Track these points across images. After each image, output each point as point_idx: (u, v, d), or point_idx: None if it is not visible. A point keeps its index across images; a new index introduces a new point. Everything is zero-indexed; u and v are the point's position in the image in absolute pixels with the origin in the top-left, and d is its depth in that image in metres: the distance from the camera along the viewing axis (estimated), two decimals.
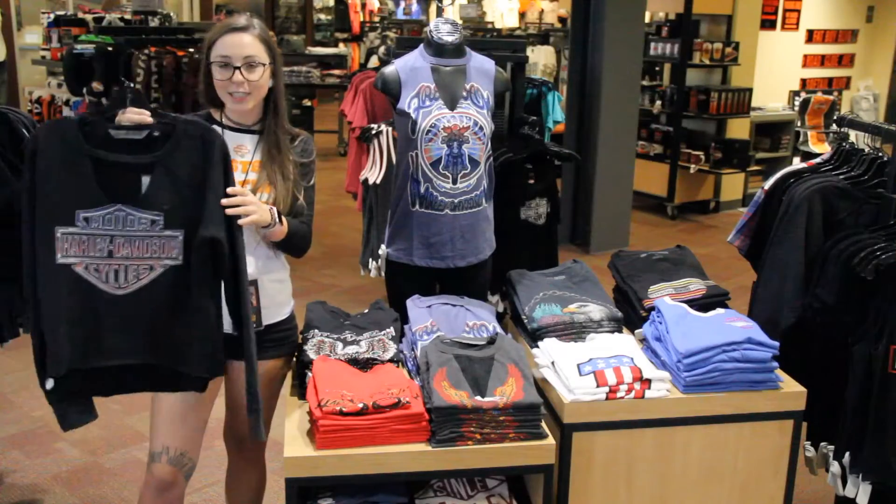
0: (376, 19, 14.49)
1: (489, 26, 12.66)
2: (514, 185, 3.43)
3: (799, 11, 8.56)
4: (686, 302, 2.51)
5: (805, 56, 8.82)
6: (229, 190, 2.01)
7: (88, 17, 7.10)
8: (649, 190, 7.70)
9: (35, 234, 1.90)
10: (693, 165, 7.46)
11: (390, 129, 3.90)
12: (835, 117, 2.97)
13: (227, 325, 2.19)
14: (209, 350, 2.01)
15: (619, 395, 2.16)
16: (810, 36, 8.77)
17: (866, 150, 2.63)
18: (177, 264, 1.96)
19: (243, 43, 2.14)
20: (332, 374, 2.08)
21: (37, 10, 8.98)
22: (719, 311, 2.45)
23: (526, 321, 2.51)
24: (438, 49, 2.77)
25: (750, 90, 7.60)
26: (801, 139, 7.94)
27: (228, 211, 1.99)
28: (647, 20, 7.38)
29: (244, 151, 2.21)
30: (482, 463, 2.00)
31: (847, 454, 2.36)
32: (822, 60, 9.01)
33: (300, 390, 2.20)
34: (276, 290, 2.28)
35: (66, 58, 5.52)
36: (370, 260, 4.14)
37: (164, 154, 1.94)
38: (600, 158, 6.43)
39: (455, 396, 1.99)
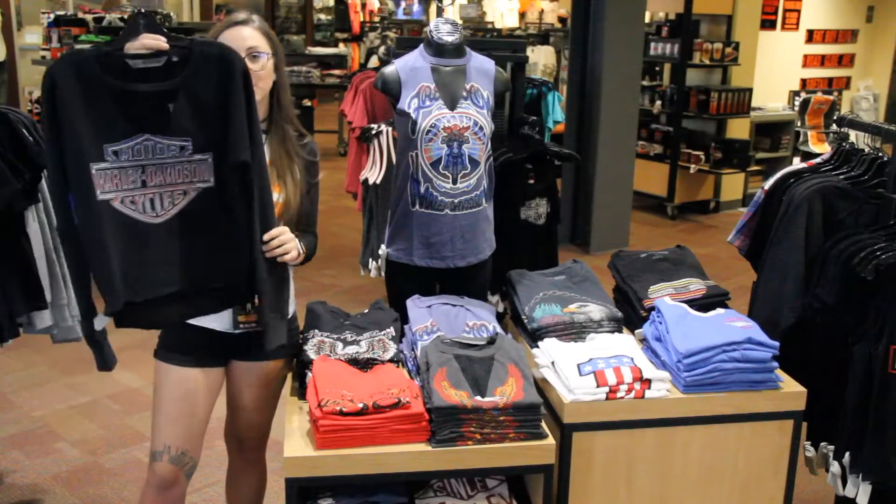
0: (376, 19, 14.49)
1: (489, 26, 12.66)
2: (514, 185, 3.43)
3: (799, 11, 8.57)
4: (686, 302, 2.51)
5: (805, 56, 8.82)
6: (266, 236, 2.04)
7: (88, 17, 7.10)
8: (649, 190, 7.70)
9: (68, 175, 1.87)
10: (693, 165, 7.46)
11: (390, 129, 3.90)
12: (835, 117, 2.97)
13: (228, 324, 2.20)
14: (246, 264, 2.02)
15: (619, 395, 2.16)
16: (810, 36, 8.77)
17: (866, 150, 2.63)
18: (209, 186, 1.97)
19: (244, 35, 2.16)
20: (332, 374, 2.08)
21: (37, 10, 8.98)
22: (719, 311, 2.45)
23: (526, 321, 2.51)
24: (438, 49, 2.77)
25: (750, 90, 7.60)
26: (801, 139, 7.94)
27: (269, 254, 2.05)
28: (647, 20, 7.38)
29: None
30: (482, 463, 2.00)
31: (847, 454, 2.36)
32: (822, 60, 9.01)
33: (300, 390, 2.20)
34: None
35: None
36: (370, 260, 4.14)
37: (184, 79, 1.93)
38: (600, 158, 6.43)
39: (455, 396, 1.99)
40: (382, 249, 3.12)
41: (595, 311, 2.49)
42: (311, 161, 2.30)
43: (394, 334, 2.33)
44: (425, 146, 2.68)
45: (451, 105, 2.71)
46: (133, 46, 1.90)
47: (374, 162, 4.02)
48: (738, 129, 7.75)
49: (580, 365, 2.19)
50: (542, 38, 9.89)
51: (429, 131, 2.67)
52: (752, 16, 7.85)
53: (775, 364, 2.27)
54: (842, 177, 2.59)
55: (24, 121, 2.71)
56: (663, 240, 6.82)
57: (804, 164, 2.76)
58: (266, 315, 2.08)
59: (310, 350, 2.21)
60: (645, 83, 7.57)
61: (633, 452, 2.21)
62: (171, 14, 7.64)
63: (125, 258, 1.92)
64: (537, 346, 2.38)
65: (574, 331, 2.43)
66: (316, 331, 2.30)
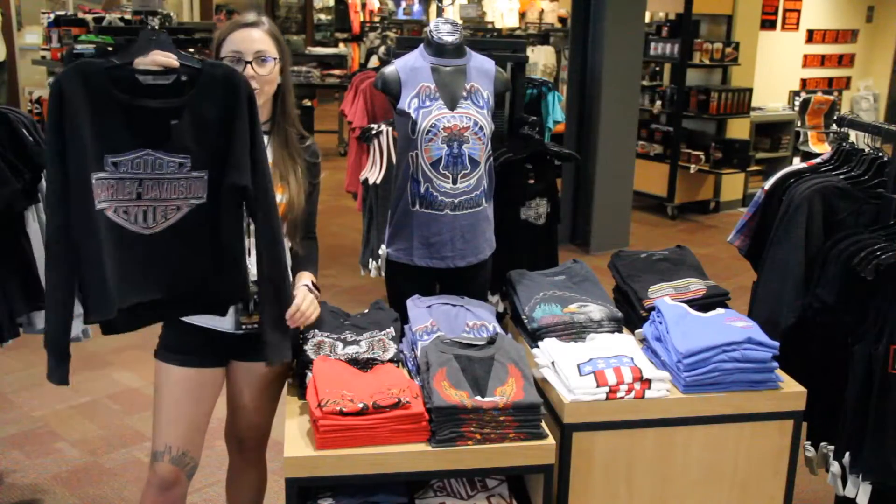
0: (376, 19, 14.48)
1: (489, 26, 12.65)
2: (514, 185, 3.42)
3: (799, 11, 8.56)
4: (686, 302, 2.51)
5: (805, 56, 8.82)
6: (288, 315, 2.12)
7: (88, 17, 7.11)
8: (649, 190, 7.70)
9: (69, 180, 1.87)
10: (693, 165, 7.46)
11: (390, 129, 3.89)
12: (835, 117, 2.97)
13: (230, 324, 2.20)
14: (235, 279, 2.06)
15: (619, 395, 2.16)
16: (810, 36, 8.77)
17: (866, 150, 2.63)
18: (201, 202, 2.00)
19: (254, 38, 2.15)
20: (332, 374, 2.08)
21: (37, 10, 8.99)
22: (719, 311, 2.45)
23: (526, 321, 2.51)
24: (438, 49, 2.77)
25: (750, 90, 7.60)
26: (801, 139, 7.94)
27: (293, 325, 2.13)
28: (647, 20, 7.37)
29: None
30: (482, 463, 2.00)
31: (847, 454, 2.36)
32: (822, 60, 9.01)
33: (300, 390, 2.20)
34: None
35: (66, 58, 5.52)
36: (370, 260, 4.13)
37: (191, 98, 1.95)
38: (600, 158, 6.43)
39: (455, 396, 1.99)
40: (382, 249, 3.12)
41: (595, 311, 2.49)
42: (313, 162, 2.31)
43: (394, 334, 2.33)
44: (425, 146, 2.68)
45: (452, 105, 2.71)
46: (144, 62, 1.91)
47: (374, 162, 4.02)
48: (738, 129, 7.75)
49: (580, 365, 2.19)
50: (542, 38, 9.88)
51: (429, 131, 2.67)
52: (752, 16, 7.85)
53: (775, 364, 2.27)
54: (842, 177, 2.59)
55: (24, 121, 2.71)
56: (663, 240, 6.82)
57: (804, 164, 2.76)
58: (268, 334, 2.10)
59: (310, 350, 2.21)
60: (645, 83, 7.58)
61: (633, 452, 2.21)
62: (172, 14, 7.65)
63: (116, 266, 1.93)
64: (537, 346, 2.38)
65: (574, 331, 2.43)
66: (316, 331, 2.30)
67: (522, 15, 13.92)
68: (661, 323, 2.38)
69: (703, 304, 2.54)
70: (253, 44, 2.14)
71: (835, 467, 2.40)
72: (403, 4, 15.87)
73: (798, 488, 2.42)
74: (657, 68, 8.08)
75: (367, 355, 2.21)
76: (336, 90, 10.01)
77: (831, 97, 8.04)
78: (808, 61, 8.86)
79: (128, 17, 7.21)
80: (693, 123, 7.63)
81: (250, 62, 2.13)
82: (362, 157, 4.28)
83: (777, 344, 2.26)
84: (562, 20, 12.31)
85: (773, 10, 8.29)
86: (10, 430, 3.66)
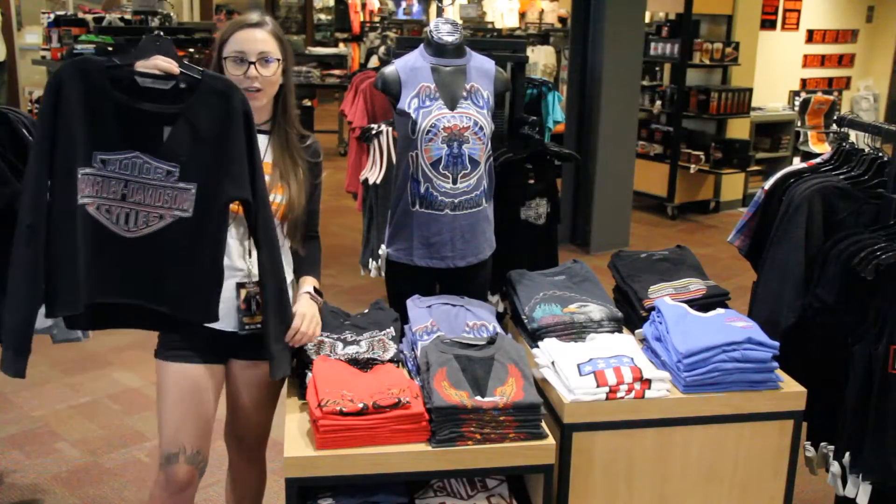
0: (376, 19, 14.48)
1: (489, 26, 12.65)
2: (514, 185, 3.43)
3: (799, 11, 8.56)
4: (686, 302, 2.51)
5: (805, 56, 8.82)
6: (287, 337, 2.12)
7: (88, 17, 7.12)
8: (649, 190, 7.70)
9: (53, 172, 1.87)
10: (693, 165, 7.46)
11: (390, 129, 3.89)
12: (835, 117, 2.97)
13: (234, 324, 2.20)
14: (208, 298, 2.03)
15: (619, 395, 2.16)
16: (810, 36, 8.77)
17: (866, 150, 2.63)
18: (186, 216, 1.97)
19: (258, 38, 2.14)
20: (332, 374, 2.08)
21: (37, 10, 8.99)
22: (719, 311, 2.45)
23: (526, 321, 2.51)
24: (438, 49, 2.77)
25: (750, 90, 7.60)
26: (801, 139, 7.94)
27: (295, 345, 2.14)
28: (647, 20, 7.37)
29: None
30: (482, 463, 2.00)
31: (847, 454, 2.36)
32: (822, 60, 9.01)
33: (300, 390, 2.20)
34: None
35: (66, 58, 5.52)
36: (370, 260, 4.13)
37: (187, 107, 1.94)
38: (600, 158, 6.43)
39: (455, 396, 1.99)
40: (382, 249, 3.12)
41: (595, 311, 2.49)
42: (315, 162, 2.31)
43: (394, 334, 2.33)
44: (425, 146, 2.68)
45: (452, 105, 2.71)
46: (145, 65, 1.92)
47: (374, 162, 4.02)
48: (738, 129, 7.76)
49: (580, 365, 2.19)
50: (542, 38, 9.89)
51: (429, 131, 2.67)
52: (752, 16, 7.86)
53: (775, 364, 2.27)
54: (842, 177, 2.59)
55: (24, 121, 2.71)
56: (663, 240, 6.82)
57: (804, 164, 2.76)
58: (272, 346, 2.09)
59: (310, 350, 2.21)
60: (645, 83, 7.57)
61: (633, 452, 2.21)
62: (171, 14, 7.64)
63: (91, 262, 1.93)
64: (537, 346, 2.38)
65: (574, 331, 2.43)
66: None
67: (522, 15, 13.92)
68: (661, 323, 2.38)
69: (703, 304, 2.54)
70: (256, 44, 2.14)
71: (835, 467, 2.40)
72: (403, 4, 15.87)
73: (798, 488, 2.42)
74: (657, 68, 8.08)
75: (367, 355, 2.21)
76: (336, 90, 10.02)
77: (831, 97, 8.04)
78: (808, 61, 8.86)
79: (128, 17, 7.21)
80: (693, 123, 7.63)
81: (254, 63, 2.12)
82: (362, 157, 4.28)
83: (777, 344, 2.26)
84: (562, 20, 12.31)
85: (773, 10, 8.29)
86: (10, 430, 3.66)
